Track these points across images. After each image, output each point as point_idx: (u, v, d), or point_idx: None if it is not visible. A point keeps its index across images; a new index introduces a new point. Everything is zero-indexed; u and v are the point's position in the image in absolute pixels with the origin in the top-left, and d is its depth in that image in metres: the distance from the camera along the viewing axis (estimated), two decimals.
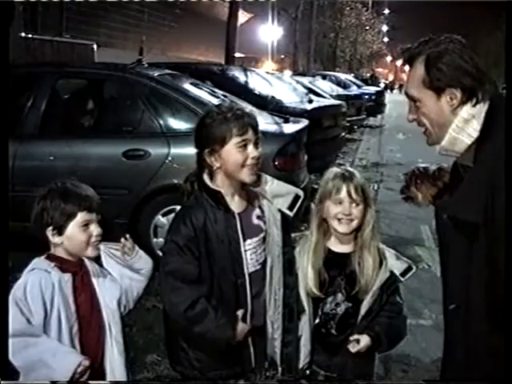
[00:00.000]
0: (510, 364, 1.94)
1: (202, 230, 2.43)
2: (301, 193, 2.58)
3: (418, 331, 4.58)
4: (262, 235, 2.55)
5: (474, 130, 2.09)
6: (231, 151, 2.41)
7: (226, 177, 2.46)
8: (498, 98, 2.10)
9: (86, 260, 2.52)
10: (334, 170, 2.65)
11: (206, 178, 2.49)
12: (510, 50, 2.18)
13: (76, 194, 2.45)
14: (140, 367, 4.00)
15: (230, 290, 2.49)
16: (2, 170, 2.51)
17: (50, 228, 2.42)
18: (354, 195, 2.56)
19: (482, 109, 2.09)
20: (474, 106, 2.09)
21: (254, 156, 2.43)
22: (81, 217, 2.43)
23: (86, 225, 2.44)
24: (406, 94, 2.19)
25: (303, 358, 2.61)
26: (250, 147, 2.42)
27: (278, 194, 2.57)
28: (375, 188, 10.48)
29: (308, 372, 2.62)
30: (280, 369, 2.60)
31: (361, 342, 2.52)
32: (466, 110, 2.08)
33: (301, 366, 2.62)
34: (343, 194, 2.56)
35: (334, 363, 2.62)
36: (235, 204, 2.51)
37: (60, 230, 2.42)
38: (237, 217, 2.48)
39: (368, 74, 44.09)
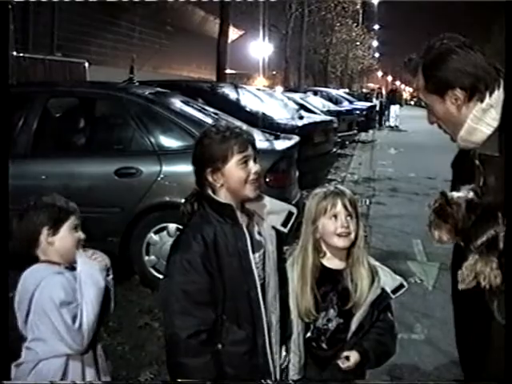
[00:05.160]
0: (510, 364, 1.95)
1: (213, 245, 2.42)
2: (294, 210, 2.60)
3: (410, 346, 4.58)
4: (262, 251, 2.56)
5: (492, 119, 2.12)
6: (234, 169, 2.44)
7: (229, 193, 2.48)
8: None
9: None
10: (322, 190, 2.67)
11: (210, 193, 2.50)
12: (510, 50, 2.20)
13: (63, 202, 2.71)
14: None
15: (243, 303, 2.47)
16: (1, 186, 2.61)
17: (46, 228, 2.63)
18: (349, 208, 2.59)
19: (499, 97, 2.12)
20: (490, 95, 2.13)
21: (256, 171, 2.48)
22: (72, 220, 2.68)
23: (75, 228, 2.69)
24: (420, 101, 2.32)
25: (297, 372, 2.62)
26: (251, 163, 2.47)
27: (271, 211, 2.59)
28: (367, 203, 10.50)
29: None
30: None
31: (350, 358, 2.53)
32: (484, 102, 2.14)
33: (294, 379, 2.62)
34: (339, 207, 2.58)
35: (324, 377, 2.62)
36: (240, 218, 2.52)
37: (54, 231, 2.64)
38: (245, 230, 2.49)
39: (382, 91, 40.29)
